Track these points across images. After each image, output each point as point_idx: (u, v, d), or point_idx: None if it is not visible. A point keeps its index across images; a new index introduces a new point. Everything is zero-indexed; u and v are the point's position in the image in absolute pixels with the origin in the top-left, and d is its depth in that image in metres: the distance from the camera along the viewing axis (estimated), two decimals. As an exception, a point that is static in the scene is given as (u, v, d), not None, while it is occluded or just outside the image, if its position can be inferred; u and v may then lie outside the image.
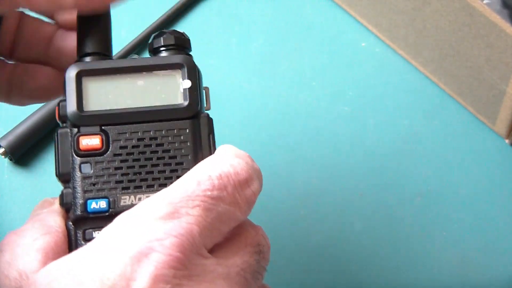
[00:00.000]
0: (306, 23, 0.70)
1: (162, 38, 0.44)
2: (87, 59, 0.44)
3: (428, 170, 0.64)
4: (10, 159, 0.65)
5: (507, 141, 0.65)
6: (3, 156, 0.65)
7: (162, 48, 0.44)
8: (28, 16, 0.48)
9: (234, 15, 0.70)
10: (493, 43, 0.57)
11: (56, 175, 0.42)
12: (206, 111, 0.44)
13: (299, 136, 0.66)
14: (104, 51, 0.45)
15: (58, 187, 0.65)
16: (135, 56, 0.44)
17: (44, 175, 0.66)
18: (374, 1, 0.65)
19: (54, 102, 0.66)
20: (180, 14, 0.70)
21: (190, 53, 0.45)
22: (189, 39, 0.45)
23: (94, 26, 0.45)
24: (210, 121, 0.43)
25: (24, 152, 0.66)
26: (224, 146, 0.42)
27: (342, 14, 0.69)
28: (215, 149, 0.43)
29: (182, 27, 0.70)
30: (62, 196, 0.42)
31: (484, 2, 0.55)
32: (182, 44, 0.45)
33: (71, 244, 0.42)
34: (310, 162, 0.65)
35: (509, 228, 0.62)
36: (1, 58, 0.48)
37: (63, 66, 0.46)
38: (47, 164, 0.66)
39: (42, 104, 0.66)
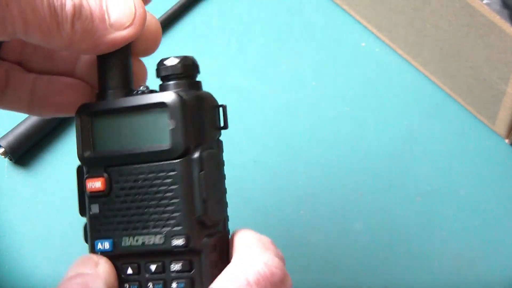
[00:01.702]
0: (306, 23, 0.70)
1: (160, 69, 0.44)
2: (107, 93, 0.44)
3: (428, 170, 0.64)
4: (10, 159, 0.65)
5: (507, 141, 0.65)
6: (3, 156, 0.65)
7: (165, 77, 0.44)
8: None
9: (234, 15, 0.70)
10: (493, 43, 0.57)
11: (79, 212, 0.44)
12: (221, 130, 0.44)
13: (299, 136, 0.66)
14: (123, 85, 0.44)
15: (58, 187, 0.65)
16: (143, 87, 0.44)
17: (44, 175, 0.66)
18: (374, 1, 0.65)
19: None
20: (180, 14, 0.70)
21: (197, 78, 0.45)
22: (191, 65, 0.44)
23: (113, 59, 0.44)
24: (203, 157, 0.42)
25: (24, 152, 0.66)
26: (245, 234, 0.42)
27: (342, 14, 0.69)
28: (208, 186, 0.42)
29: (182, 27, 0.70)
30: (84, 231, 0.44)
31: (484, 2, 0.55)
32: (181, 73, 0.44)
33: None
34: (310, 162, 0.65)
35: (509, 228, 0.62)
36: (16, 67, 0.48)
37: (93, 81, 0.46)
38: (47, 164, 0.66)
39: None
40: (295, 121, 0.66)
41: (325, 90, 0.67)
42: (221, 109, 0.44)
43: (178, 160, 0.42)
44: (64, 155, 0.66)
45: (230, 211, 0.44)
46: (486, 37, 0.57)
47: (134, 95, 0.44)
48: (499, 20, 0.55)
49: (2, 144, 0.64)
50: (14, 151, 0.65)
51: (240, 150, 0.65)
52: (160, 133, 0.43)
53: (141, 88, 0.44)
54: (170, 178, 0.42)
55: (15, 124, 0.65)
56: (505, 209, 0.63)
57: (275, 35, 0.69)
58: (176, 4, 0.70)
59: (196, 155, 0.42)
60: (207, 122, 0.44)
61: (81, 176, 0.44)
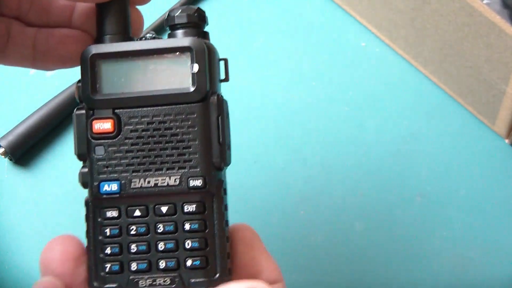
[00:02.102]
0: (306, 23, 0.70)
1: (175, 17, 0.45)
2: (105, 39, 0.45)
3: (428, 170, 0.64)
4: (10, 159, 0.65)
5: (507, 141, 0.65)
6: (3, 156, 0.65)
7: (177, 25, 0.45)
8: None
9: (234, 15, 0.70)
10: (493, 43, 0.57)
11: (75, 154, 0.44)
12: (222, 83, 0.45)
13: (299, 136, 0.66)
14: (122, 31, 0.45)
15: (58, 187, 0.65)
16: (150, 34, 0.45)
17: (44, 175, 0.66)
18: (374, 1, 0.65)
19: (54, 102, 0.66)
20: (180, 14, 0.70)
21: (206, 29, 0.45)
22: (203, 15, 0.45)
23: (112, 7, 0.45)
24: (220, 102, 0.44)
25: (24, 152, 0.66)
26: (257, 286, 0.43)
27: (342, 14, 0.69)
28: (223, 130, 0.43)
29: (182, 27, 0.70)
30: (80, 175, 0.44)
31: (484, 2, 0.55)
32: (195, 22, 0.45)
33: (88, 219, 0.44)
34: (310, 162, 0.65)
35: (509, 228, 0.62)
36: (17, 22, 0.48)
37: (92, 30, 0.46)
38: (47, 164, 0.66)
39: (42, 104, 0.66)
40: (295, 121, 0.66)
41: (325, 90, 0.67)
42: (222, 62, 0.45)
43: (199, 104, 0.43)
44: (64, 155, 0.66)
45: (230, 211, 0.45)
46: (486, 37, 0.57)
47: (145, 40, 0.44)
48: (499, 20, 0.55)
49: (2, 144, 0.64)
50: (14, 151, 0.65)
51: (240, 150, 0.65)
52: (181, 77, 0.43)
53: (148, 35, 0.44)
54: (189, 121, 0.43)
55: (15, 124, 0.65)
56: (505, 209, 0.63)
57: (275, 35, 0.69)
58: (176, 4, 0.70)
59: (214, 99, 0.43)
60: (216, 72, 0.44)
61: (80, 120, 0.43)
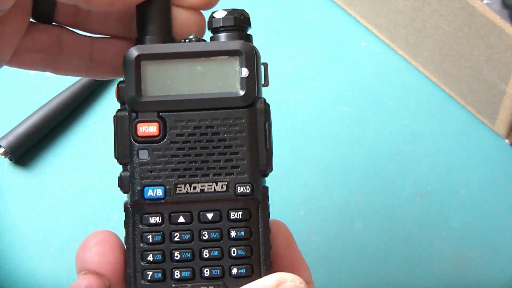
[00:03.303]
0: (306, 23, 0.70)
1: (222, 19, 0.43)
2: (147, 39, 0.43)
3: (428, 170, 0.64)
4: (10, 159, 0.65)
5: (507, 141, 0.65)
6: (3, 156, 0.65)
7: (222, 28, 0.43)
8: None
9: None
10: (493, 43, 0.57)
11: (115, 157, 0.43)
12: (263, 88, 0.44)
13: (299, 136, 0.66)
14: (164, 32, 0.44)
15: (58, 187, 0.65)
16: (193, 36, 0.43)
17: (44, 175, 0.66)
18: (374, 1, 0.65)
19: (54, 102, 0.66)
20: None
21: (249, 31, 0.44)
22: (248, 18, 0.44)
23: (153, 6, 0.44)
24: (267, 107, 0.43)
25: (24, 152, 0.66)
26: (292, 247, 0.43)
27: (342, 14, 0.69)
28: (270, 136, 0.43)
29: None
30: (120, 179, 0.42)
31: (484, 2, 0.55)
32: (241, 25, 0.44)
33: (128, 225, 0.42)
34: (310, 162, 0.65)
35: (509, 228, 0.62)
36: (68, 31, 0.47)
37: (130, 36, 0.46)
38: (47, 164, 0.66)
39: (42, 104, 0.66)
40: (295, 121, 0.66)
41: (325, 90, 0.67)
42: (262, 66, 0.44)
43: (247, 109, 0.42)
44: (64, 155, 0.66)
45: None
46: (486, 37, 0.57)
47: (190, 42, 0.43)
48: (499, 20, 0.55)
49: (2, 144, 0.64)
50: (14, 151, 0.65)
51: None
52: (229, 81, 0.42)
53: (191, 36, 0.43)
54: (237, 126, 0.42)
55: (15, 124, 0.65)
56: (505, 209, 0.63)
57: (275, 35, 0.69)
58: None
59: (261, 105, 0.43)
60: (261, 77, 0.44)
61: (122, 122, 0.42)
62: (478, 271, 0.61)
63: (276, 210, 0.63)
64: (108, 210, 0.64)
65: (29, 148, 0.66)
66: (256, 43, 0.73)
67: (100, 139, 0.66)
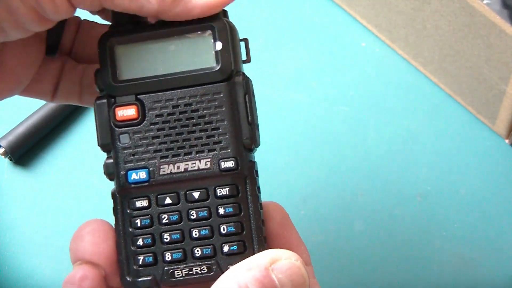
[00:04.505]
0: (306, 23, 0.70)
1: None
2: (120, 27, 0.43)
3: (428, 170, 0.64)
4: (10, 159, 0.65)
5: (507, 141, 0.65)
6: (3, 156, 0.65)
7: None
8: (86, 20, 0.48)
9: (234, 15, 0.70)
10: (493, 43, 0.57)
11: (98, 145, 0.43)
12: (245, 64, 0.43)
13: (299, 136, 0.66)
14: (136, 18, 0.43)
15: (58, 187, 0.65)
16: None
17: (44, 175, 0.66)
18: (374, 1, 0.65)
19: (53, 103, 0.66)
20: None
21: (246, 28, 0.44)
22: None
23: None
24: (245, 80, 0.42)
25: (24, 152, 0.66)
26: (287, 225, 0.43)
27: (342, 14, 0.69)
28: (251, 109, 0.42)
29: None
30: (105, 166, 0.42)
31: (484, 2, 0.55)
32: None
33: (116, 212, 0.42)
34: (310, 162, 0.65)
35: (509, 228, 0.62)
36: (70, 60, 0.48)
37: None
38: (47, 164, 0.66)
39: (42, 104, 0.66)
40: (295, 121, 0.66)
41: (325, 90, 0.67)
42: (243, 43, 0.44)
43: (225, 83, 0.42)
44: (64, 155, 0.66)
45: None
46: (486, 37, 0.57)
47: (162, 24, 0.42)
48: (499, 20, 0.55)
49: (2, 144, 0.64)
50: (14, 151, 0.65)
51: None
52: (204, 56, 0.42)
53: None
54: (216, 101, 0.42)
55: (15, 124, 0.65)
56: (505, 209, 0.63)
57: (275, 35, 0.69)
58: None
59: (239, 78, 0.42)
60: (239, 51, 0.43)
61: (101, 109, 0.42)
62: (478, 271, 0.61)
63: (276, 210, 0.63)
64: (108, 210, 0.63)
65: (29, 148, 0.66)
66: (256, 42, 0.73)
67: (100, 139, 0.66)
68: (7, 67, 0.44)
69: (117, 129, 0.42)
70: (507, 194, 0.63)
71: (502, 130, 0.64)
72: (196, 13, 0.41)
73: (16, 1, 0.39)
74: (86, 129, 0.67)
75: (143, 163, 0.42)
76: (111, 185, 0.43)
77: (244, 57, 0.44)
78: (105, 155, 0.43)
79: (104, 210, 0.64)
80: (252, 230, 0.41)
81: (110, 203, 0.64)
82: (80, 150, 0.66)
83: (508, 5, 0.55)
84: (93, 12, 0.46)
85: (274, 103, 0.67)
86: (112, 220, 0.43)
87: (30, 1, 0.39)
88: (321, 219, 0.63)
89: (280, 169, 0.65)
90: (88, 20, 0.48)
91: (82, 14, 0.47)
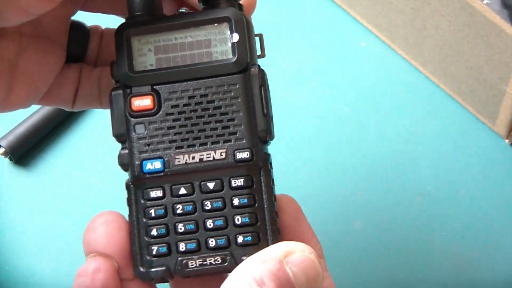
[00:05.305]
0: (306, 23, 0.70)
1: None
2: (137, 16, 0.43)
3: (428, 170, 0.64)
4: (10, 159, 0.65)
5: (507, 141, 0.65)
6: (3, 156, 0.65)
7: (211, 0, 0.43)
8: (107, 29, 0.48)
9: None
10: (493, 43, 0.57)
11: (113, 136, 0.43)
12: (259, 59, 0.44)
13: (299, 136, 0.66)
14: (152, 10, 0.43)
15: (58, 187, 0.65)
16: (184, 10, 0.44)
17: (44, 175, 0.66)
18: (374, 1, 0.65)
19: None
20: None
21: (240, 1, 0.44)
22: None
23: None
24: (261, 72, 0.43)
25: (24, 152, 0.66)
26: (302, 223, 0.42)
27: (342, 14, 0.69)
28: (267, 101, 0.42)
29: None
30: (119, 157, 0.42)
31: (484, 2, 0.55)
32: None
33: (130, 202, 0.42)
34: (310, 162, 0.65)
35: (509, 228, 0.62)
36: (86, 65, 0.48)
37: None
38: (47, 164, 0.66)
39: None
40: (295, 121, 0.66)
41: (325, 90, 0.67)
42: (258, 38, 0.44)
43: (241, 74, 0.42)
44: (64, 155, 0.66)
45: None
46: (486, 37, 0.57)
47: (179, 15, 0.43)
48: (499, 20, 0.55)
49: (2, 144, 0.64)
50: (14, 151, 0.65)
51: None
52: (220, 48, 0.42)
53: (182, 10, 0.43)
54: (232, 92, 0.42)
55: (15, 124, 0.65)
56: (505, 209, 0.63)
57: (275, 35, 0.69)
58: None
59: (255, 70, 0.42)
60: (254, 44, 0.43)
61: (117, 99, 0.42)
62: (478, 271, 0.61)
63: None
64: (109, 209, 0.63)
65: (29, 148, 0.66)
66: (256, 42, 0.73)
67: (100, 139, 0.66)
68: (25, 73, 0.44)
69: (132, 119, 0.42)
70: (507, 194, 0.63)
71: (502, 130, 0.64)
72: None
73: None
74: (86, 129, 0.67)
75: (158, 153, 0.42)
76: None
77: (258, 52, 0.44)
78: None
79: (104, 210, 0.64)
80: (266, 222, 0.41)
81: (110, 203, 0.64)
82: (80, 150, 0.66)
83: (508, 5, 0.55)
84: (106, 11, 0.46)
85: (274, 103, 0.67)
86: (122, 213, 0.43)
87: None
88: (321, 219, 0.63)
89: (280, 169, 0.65)
90: (110, 28, 0.48)
91: (103, 21, 0.47)
